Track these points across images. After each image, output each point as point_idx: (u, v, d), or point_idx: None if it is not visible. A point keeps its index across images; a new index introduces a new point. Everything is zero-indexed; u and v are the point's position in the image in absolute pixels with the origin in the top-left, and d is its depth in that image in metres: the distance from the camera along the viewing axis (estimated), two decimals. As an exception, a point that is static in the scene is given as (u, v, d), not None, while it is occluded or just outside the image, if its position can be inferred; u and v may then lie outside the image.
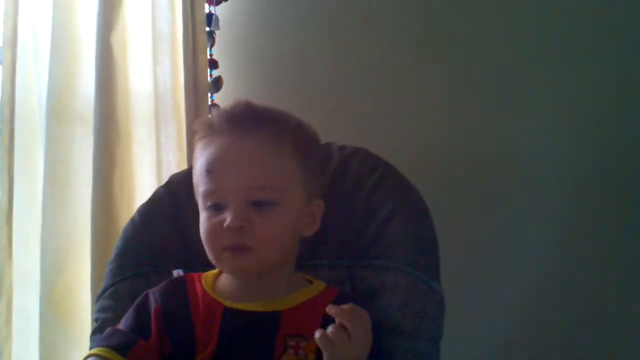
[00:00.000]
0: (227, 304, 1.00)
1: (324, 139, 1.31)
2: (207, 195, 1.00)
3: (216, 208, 1.00)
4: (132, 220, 1.24)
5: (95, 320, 1.16)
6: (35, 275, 1.41)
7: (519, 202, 1.55)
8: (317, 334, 0.86)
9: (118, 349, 0.94)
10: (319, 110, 1.51)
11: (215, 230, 0.99)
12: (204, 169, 1.01)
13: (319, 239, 1.14)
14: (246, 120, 1.02)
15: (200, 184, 1.02)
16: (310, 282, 1.07)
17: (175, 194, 1.23)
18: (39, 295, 1.40)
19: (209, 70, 1.50)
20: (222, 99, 1.51)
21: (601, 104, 1.54)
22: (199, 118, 1.44)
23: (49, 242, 1.41)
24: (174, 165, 1.44)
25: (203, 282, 1.04)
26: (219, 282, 1.04)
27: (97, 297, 1.19)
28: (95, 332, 1.13)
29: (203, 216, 1.01)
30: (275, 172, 1.00)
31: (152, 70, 1.46)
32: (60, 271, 1.41)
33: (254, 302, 1.00)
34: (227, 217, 0.97)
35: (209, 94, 1.49)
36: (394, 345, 1.03)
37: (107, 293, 1.16)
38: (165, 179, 1.35)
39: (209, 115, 1.06)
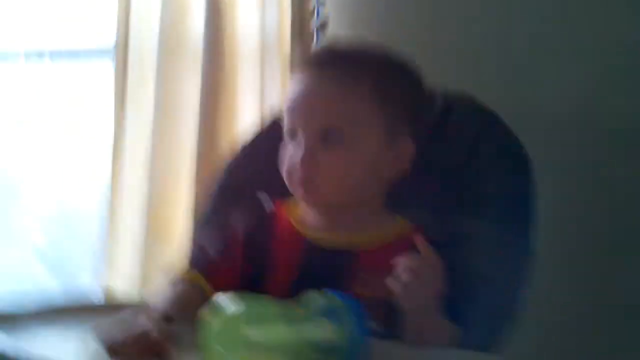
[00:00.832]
0: (309, 234, 1.02)
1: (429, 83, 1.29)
2: (287, 131, 1.03)
3: (294, 142, 1.02)
4: (234, 154, 1.27)
5: (191, 247, 1.21)
6: (142, 205, 1.48)
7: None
8: (390, 280, 0.87)
9: (200, 269, 0.99)
10: (430, 53, 1.48)
11: (290, 166, 1.02)
12: (285, 107, 1.04)
13: (416, 180, 1.12)
14: (325, 60, 1.04)
15: (284, 121, 1.05)
16: (394, 220, 1.06)
17: (275, 132, 1.24)
18: (145, 222, 1.47)
19: (316, 10, 1.49)
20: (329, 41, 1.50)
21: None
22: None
23: (156, 173, 1.47)
24: (277, 103, 1.46)
25: (288, 211, 1.06)
26: (303, 212, 1.06)
27: (196, 226, 1.24)
28: (189, 254, 1.18)
29: (284, 150, 1.04)
30: (346, 112, 1.00)
31: (260, 9, 1.48)
32: (165, 201, 1.47)
33: (336, 234, 1.01)
34: (297, 153, 1.00)
35: (316, 35, 1.49)
36: (475, 290, 1.01)
37: (204, 221, 1.21)
38: (267, 117, 1.37)
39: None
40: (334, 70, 1.01)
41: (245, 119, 1.49)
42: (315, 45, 1.48)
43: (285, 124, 1.03)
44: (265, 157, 1.22)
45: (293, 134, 1.02)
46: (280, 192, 1.16)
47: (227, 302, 0.72)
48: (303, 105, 1.01)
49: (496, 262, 1.07)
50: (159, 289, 0.97)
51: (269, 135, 1.25)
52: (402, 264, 0.88)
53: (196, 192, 1.43)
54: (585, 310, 1.45)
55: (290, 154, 1.02)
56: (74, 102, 1.95)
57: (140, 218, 1.47)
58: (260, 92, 1.47)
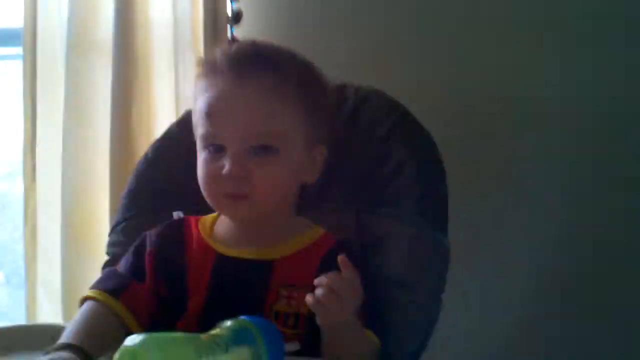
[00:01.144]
0: (221, 249, 1.01)
1: (342, 79, 1.30)
2: (206, 138, 0.99)
3: (215, 150, 0.99)
4: (145, 156, 1.25)
5: (107, 253, 1.20)
6: (57, 202, 1.45)
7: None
8: (309, 300, 0.86)
9: (112, 292, 0.97)
10: (340, 50, 1.48)
11: (213, 176, 0.98)
12: (203, 112, 0.99)
13: (329, 181, 1.14)
14: (250, 64, 0.99)
15: (199, 125, 1.01)
16: (310, 227, 1.06)
17: (188, 130, 1.23)
18: (60, 220, 1.44)
19: (229, 2, 1.47)
20: (242, 33, 1.49)
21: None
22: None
23: (69, 171, 1.44)
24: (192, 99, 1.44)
25: (200, 226, 1.05)
26: (217, 226, 1.05)
27: (110, 232, 1.22)
28: (105, 265, 1.17)
29: (201, 158, 1.00)
30: (276, 119, 0.98)
31: (172, 2, 1.44)
32: (80, 200, 1.45)
33: (249, 249, 1.01)
34: (226, 164, 0.96)
35: (229, 27, 1.47)
36: (394, 297, 1.04)
37: (118, 228, 1.19)
38: (183, 111, 1.36)
39: (217, 52, 1.03)
40: (257, 75, 0.98)
41: (160, 113, 1.47)
42: (228, 38, 1.46)
43: (204, 133, 0.99)
44: (177, 159, 1.21)
45: (215, 141, 0.98)
46: (195, 196, 1.16)
47: (136, 341, 0.72)
48: (228, 113, 0.97)
49: (413, 265, 1.09)
50: (75, 319, 0.94)
51: (181, 134, 1.24)
52: (321, 283, 0.86)
53: (112, 192, 1.41)
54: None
55: (211, 165, 0.98)
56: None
57: (56, 222, 1.45)
58: (175, 88, 1.45)
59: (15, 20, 1.55)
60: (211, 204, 1.03)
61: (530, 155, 1.49)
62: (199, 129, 1.01)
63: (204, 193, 1.02)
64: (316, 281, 0.86)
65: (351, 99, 1.25)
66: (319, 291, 0.85)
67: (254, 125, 0.97)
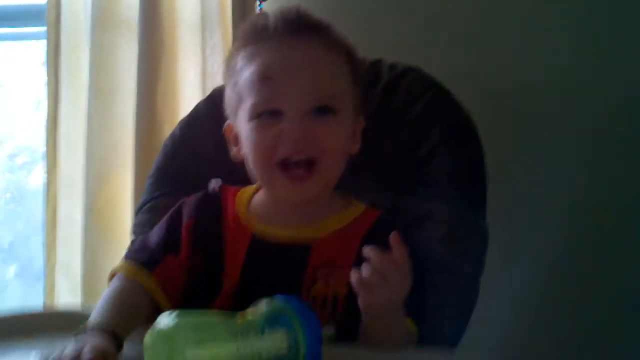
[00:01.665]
0: (258, 228, 0.97)
1: (375, 54, 1.25)
2: (260, 104, 0.93)
3: (270, 116, 0.93)
4: (172, 134, 1.22)
5: (132, 233, 1.16)
6: (80, 184, 1.42)
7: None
8: (353, 277, 0.80)
9: (146, 264, 0.93)
10: (375, 24, 1.43)
11: (271, 141, 0.92)
12: (259, 76, 0.93)
13: (363, 160, 1.10)
14: (302, 26, 0.96)
15: (249, 94, 0.94)
16: (349, 203, 1.02)
17: (217, 108, 1.19)
18: (82, 204, 1.41)
19: (257, -23, 1.43)
20: (271, 8, 1.44)
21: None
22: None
23: (94, 151, 1.40)
24: (219, 77, 1.39)
25: (237, 200, 1.00)
26: (254, 201, 1.00)
27: (136, 211, 1.19)
28: (132, 245, 1.13)
29: (251, 127, 0.94)
30: (335, 79, 0.96)
31: (199, -25, 1.40)
32: (104, 181, 1.41)
33: (287, 226, 0.96)
34: (287, 126, 0.91)
35: (257, 3, 1.43)
36: (431, 281, 0.99)
37: (145, 207, 1.16)
38: (209, 90, 1.32)
39: (262, 18, 0.99)
40: (312, 38, 0.95)
41: (185, 94, 1.42)
42: (257, 11, 1.42)
43: (256, 99, 0.93)
44: (206, 136, 1.18)
45: (272, 105, 0.92)
46: (223, 172, 1.12)
47: (169, 322, 0.68)
48: (289, 72, 0.93)
49: (452, 248, 1.05)
50: (104, 297, 0.89)
51: (210, 112, 1.20)
52: (371, 263, 0.80)
53: (137, 173, 1.37)
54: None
55: (268, 131, 0.92)
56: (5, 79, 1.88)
57: (79, 202, 1.41)
58: (201, 66, 1.40)
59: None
60: (264, 181, 0.97)
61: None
62: (250, 98, 0.94)
63: (257, 166, 0.95)
64: (365, 251, 0.80)
65: (386, 75, 1.21)
66: (365, 270, 0.80)
67: (316, 85, 0.93)
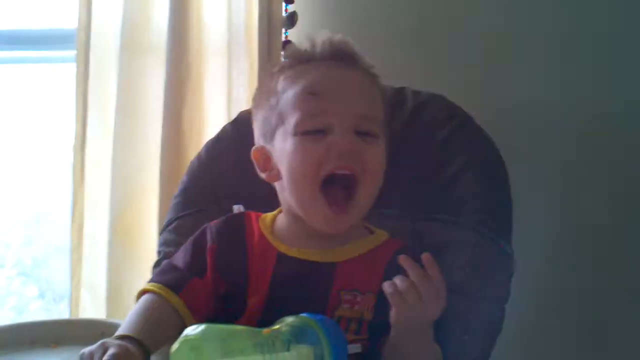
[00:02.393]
0: (282, 249, 0.98)
1: (399, 83, 1.27)
2: (308, 119, 0.94)
3: (316, 133, 0.93)
4: (199, 156, 1.23)
5: (158, 252, 1.17)
6: (106, 203, 1.44)
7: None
8: (388, 287, 0.81)
9: (172, 286, 0.93)
10: (398, 52, 1.45)
11: (318, 156, 0.92)
12: (307, 91, 0.95)
13: (385, 187, 1.11)
14: (346, 53, 1.00)
15: (294, 111, 0.94)
16: (372, 232, 1.03)
17: (243, 131, 1.20)
18: (108, 223, 1.42)
19: (283, 4, 1.45)
20: (296, 35, 1.46)
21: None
22: (272, 54, 1.41)
23: (119, 172, 1.42)
24: (244, 101, 1.42)
25: (261, 223, 1.01)
26: (276, 224, 1.01)
27: (161, 230, 1.20)
28: (157, 264, 1.14)
29: (295, 143, 0.94)
30: (375, 104, 0.98)
31: (227, 3, 1.43)
32: (129, 201, 1.43)
33: (311, 250, 0.97)
34: (337, 139, 0.92)
35: (283, 30, 1.45)
36: (455, 306, 0.98)
37: (170, 227, 1.17)
38: (235, 114, 1.34)
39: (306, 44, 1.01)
40: (355, 63, 0.99)
41: (212, 117, 1.44)
42: (282, 41, 1.44)
43: (305, 112, 0.93)
44: (231, 158, 1.19)
45: (319, 122, 0.93)
46: (247, 197, 1.13)
47: (197, 332, 0.69)
48: (338, 91, 0.95)
49: (474, 273, 1.05)
50: (133, 311, 0.91)
51: (235, 135, 1.22)
52: (410, 276, 0.81)
53: (162, 194, 1.38)
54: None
55: (313, 146, 0.92)
56: (34, 101, 1.92)
57: (104, 222, 1.43)
58: (227, 91, 1.43)
59: (68, 21, 1.55)
60: (301, 203, 0.95)
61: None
62: (294, 114, 0.94)
63: (299, 183, 0.94)
64: (400, 259, 0.82)
65: (410, 102, 1.22)
66: (399, 280, 0.80)
67: (362, 105, 0.96)
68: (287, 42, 1.45)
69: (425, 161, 1.16)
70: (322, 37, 1.01)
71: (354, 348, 0.80)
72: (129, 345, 0.79)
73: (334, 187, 0.93)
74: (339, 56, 0.99)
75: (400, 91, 1.24)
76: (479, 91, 1.41)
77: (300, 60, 1.00)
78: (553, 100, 1.41)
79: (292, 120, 0.95)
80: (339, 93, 0.95)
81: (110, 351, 0.77)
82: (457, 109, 1.20)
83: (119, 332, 0.84)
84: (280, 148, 0.96)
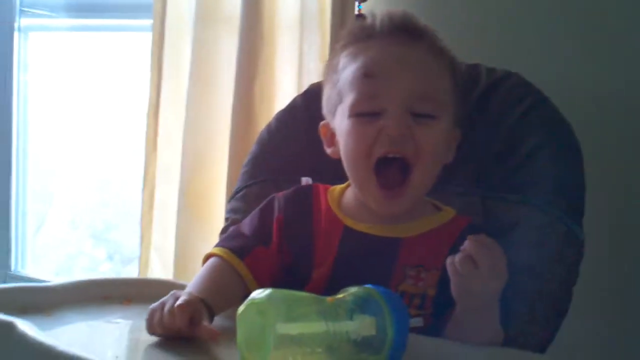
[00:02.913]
0: (349, 222, 0.97)
1: (473, 59, 1.24)
2: (362, 101, 0.93)
3: (370, 115, 0.93)
4: (269, 126, 1.24)
5: (225, 219, 1.19)
6: (176, 170, 1.47)
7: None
8: (448, 261, 0.81)
9: (238, 251, 0.95)
10: (473, 28, 1.42)
11: (370, 138, 0.92)
12: (362, 72, 0.94)
13: (455, 164, 1.09)
14: (407, 28, 0.96)
15: (350, 91, 0.94)
16: (439, 208, 1.02)
17: (313, 104, 1.21)
18: (178, 189, 1.46)
19: (358, -22, 1.44)
20: (370, 9, 1.45)
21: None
22: (344, 27, 1.40)
23: (190, 140, 1.45)
24: (315, 74, 1.42)
25: (329, 196, 1.01)
26: (344, 197, 1.01)
27: (230, 198, 1.22)
28: (224, 230, 1.16)
29: (349, 125, 0.94)
30: (437, 83, 0.95)
31: (301, -25, 1.43)
32: (199, 168, 1.46)
33: (377, 225, 0.96)
34: (388, 123, 0.91)
35: (357, 3, 1.45)
36: (522, 285, 0.98)
37: (239, 195, 1.19)
38: (305, 86, 1.34)
39: (368, 19, 0.98)
40: (417, 40, 0.95)
41: (282, 88, 1.45)
42: (355, 14, 1.43)
43: (359, 94, 0.93)
44: (300, 130, 1.20)
45: (373, 104, 0.92)
46: (315, 168, 1.14)
47: (263, 296, 0.70)
48: (392, 71, 0.93)
49: (543, 255, 1.03)
50: (199, 274, 0.93)
51: (305, 107, 1.22)
52: (468, 249, 0.79)
53: (231, 162, 1.41)
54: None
55: (367, 128, 0.92)
56: (111, 69, 1.97)
57: (175, 189, 1.46)
58: (299, 61, 1.43)
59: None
60: (358, 181, 0.96)
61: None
62: (350, 95, 0.94)
63: (352, 165, 0.95)
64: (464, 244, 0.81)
65: (483, 80, 1.20)
66: (458, 255, 0.80)
67: (418, 85, 0.93)
68: (360, 16, 1.44)
69: (498, 139, 1.14)
70: (386, 12, 0.99)
71: (416, 322, 0.79)
72: (196, 301, 0.82)
73: (389, 168, 0.93)
74: (400, 31, 0.95)
75: (474, 68, 1.22)
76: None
77: (361, 36, 0.98)
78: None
79: (348, 100, 0.95)
80: (394, 74, 0.93)
81: (182, 298, 0.80)
82: (532, 87, 1.17)
83: (186, 290, 0.86)
84: (340, 127, 0.97)
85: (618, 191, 1.36)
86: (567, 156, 1.10)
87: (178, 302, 0.80)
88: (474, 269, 0.79)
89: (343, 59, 0.98)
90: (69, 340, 0.75)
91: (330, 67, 1.01)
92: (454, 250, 0.87)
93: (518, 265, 1.00)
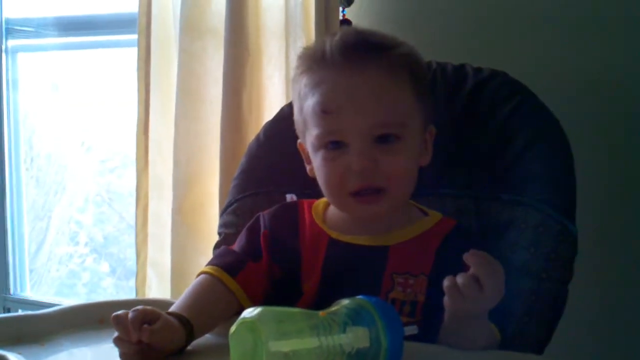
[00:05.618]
0: (334, 235, 0.98)
1: (459, 60, 1.24)
2: (325, 134, 0.93)
3: (335, 147, 0.93)
4: (257, 137, 1.24)
5: (218, 234, 1.19)
6: (169, 185, 1.47)
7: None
8: (446, 282, 0.80)
9: (229, 269, 0.95)
10: (457, 29, 1.42)
11: (339, 175, 0.93)
12: (319, 109, 0.93)
13: (445, 166, 1.09)
14: (361, 51, 0.94)
15: (312, 125, 0.95)
16: (425, 213, 1.02)
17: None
18: (171, 204, 1.46)
19: (341, -17, 1.44)
20: (354, 14, 1.45)
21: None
22: (329, 33, 1.40)
23: (181, 155, 1.45)
24: (303, 82, 1.42)
25: (313, 211, 1.02)
26: (329, 211, 1.02)
27: (221, 212, 1.22)
28: (217, 245, 1.16)
29: (320, 158, 0.95)
30: (397, 106, 0.94)
31: (284, -18, 1.43)
32: (191, 183, 1.46)
33: (363, 236, 0.96)
34: (353, 159, 0.91)
35: (340, 9, 1.44)
36: (516, 286, 0.97)
37: (230, 209, 1.19)
38: (293, 96, 1.34)
39: (320, 44, 0.96)
40: (371, 62, 0.93)
41: (270, 98, 1.45)
42: (339, 20, 1.43)
43: (321, 131, 0.93)
44: (289, 140, 1.19)
45: (335, 137, 0.93)
46: (307, 177, 1.13)
47: (254, 314, 0.70)
48: (348, 105, 0.92)
49: (538, 253, 1.02)
50: (185, 291, 0.93)
51: (293, 119, 1.22)
52: (474, 270, 0.78)
53: (223, 175, 1.40)
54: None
55: (335, 163, 0.93)
56: (102, 85, 1.98)
57: (168, 203, 1.46)
58: (285, 71, 1.43)
59: (129, 5, 1.59)
60: (336, 205, 0.98)
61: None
62: (314, 129, 0.95)
63: (328, 194, 0.97)
64: (466, 257, 0.80)
65: (470, 80, 1.19)
66: (461, 278, 0.79)
67: (377, 114, 0.92)
68: (345, 21, 1.44)
69: (488, 139, 1.13)
70: (338, 34, 0.97)
71: (411, 330, 0.79)
72: (172, 320, 0.82)
73: (364, 194, 0.93)
74: (353, 58, 0.93)
75: (461, 68, 1.21)
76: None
77: (313, 66, 0.96)
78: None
79: (313, 132, 0.95)
80: (351, 106, 0.92)
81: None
82: (519, 86, 1.16)
83: (170, 309, 0.87)
84: (311, 153, 0.98)
85: (610, 187, 1.36)
86: (557, 153, 1.10)
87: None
88: (479, 291, 0.78)
89: (304, 88, 0.97)
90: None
91: (295, 91, 1.01)
92: (440, 253, 0.88)
93: (514, 265, 1.01)
